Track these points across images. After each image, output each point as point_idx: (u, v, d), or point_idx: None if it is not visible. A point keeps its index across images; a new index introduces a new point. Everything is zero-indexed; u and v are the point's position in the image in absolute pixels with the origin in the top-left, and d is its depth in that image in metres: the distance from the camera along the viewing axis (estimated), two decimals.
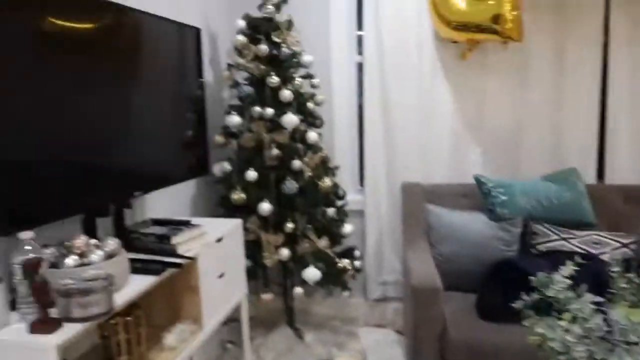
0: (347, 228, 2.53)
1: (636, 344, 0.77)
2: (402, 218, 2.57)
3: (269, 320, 2.75)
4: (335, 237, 2.51)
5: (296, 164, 2.37)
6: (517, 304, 0.95)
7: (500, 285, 1.90)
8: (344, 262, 2.41)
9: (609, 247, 2.16)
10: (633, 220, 2.34)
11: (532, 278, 0.98)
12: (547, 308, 0.93)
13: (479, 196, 2.40)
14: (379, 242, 2.82)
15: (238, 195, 2.37)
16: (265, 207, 2.33)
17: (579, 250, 2.18)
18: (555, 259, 1.71)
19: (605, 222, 2.34)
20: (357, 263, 2.54)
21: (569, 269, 0.99)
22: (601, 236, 2.21)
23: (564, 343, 0.81)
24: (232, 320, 2.63)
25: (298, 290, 2.39)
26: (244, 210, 2.39)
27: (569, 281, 0.91)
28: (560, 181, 2.36)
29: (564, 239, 2.21)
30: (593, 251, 2.15)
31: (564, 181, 2.35)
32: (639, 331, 0.78)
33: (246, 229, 2.36)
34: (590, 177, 2.57)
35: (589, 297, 0.87)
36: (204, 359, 2.42)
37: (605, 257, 2.13)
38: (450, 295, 2.16)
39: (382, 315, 2.79)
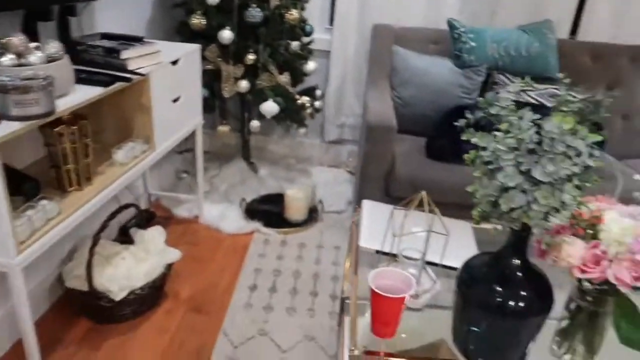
0: (310, 65, 2.46)
1: (562, 153, 0.80)
2: (369, 59, 2.50)
3: (225, 154, 2.79)
4: (297, 74, 2.45)
5: None
6: (459, 122, 0.95)
7: (450, 127, 1.93)
8: (304, 99, 2.38)
9: (593, 100, 2.19)
10: (595, 77, 2.35)
11: (479, 99, 0.97)
12: (489, 127, 0.94)
13: (449, 43, 2.32)
14: (341, 83, 2.77)
15: (197, 20, 2.22)
16: (226, 34, 2.20)
17: (534, 102, 2.20)
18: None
19: (569, 78, 2.34)
20: (317, 103, 2.52)
21: (515, 86, 0.99)
22: (559, 90, 2.22)
23: (494, 152, 0.83)
24: (187, 150, 2.65)
25: (255, 123, 2.38)
26: (203, 38, 2.26)
27: (513, 98, 0.90)
28: (533, 32, 2.29)
29: (522, 90, 2.22)
30: (548, 104, 2.19)
31: (537, 32, 2.29)
32: (567, 140, 0.80)
33: (205, 58, 2.26)
34: (564, 31, 2.51)
35: (530, 114, 0.87)
36: (158, 186, 2.48)
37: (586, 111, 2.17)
38: (404, 138, 2.21)
39: (337, 156, 2.87)
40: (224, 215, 2.33)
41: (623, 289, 0.83)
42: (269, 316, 1.78)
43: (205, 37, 2.26)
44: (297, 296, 1.90)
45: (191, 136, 2.14)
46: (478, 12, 2.53)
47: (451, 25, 2.29)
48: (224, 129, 2.45)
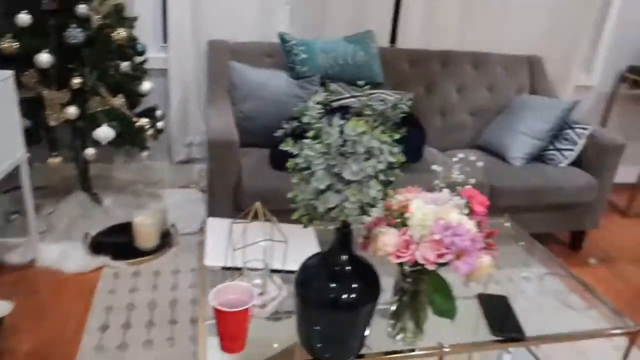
0: (146, 86, 2.37)
1: (365, 153, 0.88)
2: (207, 77, 2.49)
3: (63, 188, 2.55)
4: (133, 96, 2.34)
5: (82, 8, 2.07)
6: (277, 132, 0.99)
7: (291, 136, 2.00)
8: (143, 121, 2.29)
9: (391, 103, 2.41)
10: (414, 80, 2.62)
11: (295, 109, 1.02)
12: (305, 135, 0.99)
13: (283, 56, 2.41)
14: (183, 102, 2.71)
15: (8, 44, 2.01)
16: (43, 58, 2.02)
17: None
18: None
19: (392, 82, 2.58)
20: (159, 124, 2.43)
21: (321, 96, 1.06)
22: (386, 94, 2.44)
23: (306, 159, 0.88)
24: (15, 188, 2.37)
25: (90, 151, 2.22)
26: (17, 63, 2.05)
27: (319, 107, 0.97)
28: (358, 42, 2.48)
29: (354, 96, 2.39)
30: (378, 107, 2.38)
31: (361, 42, 2.48)
32: (364, 141, 0.88)
33: (22, 85, 2.05)
34: (385, 40, 2.76)
35: (337, 121, 0.94)
36: None
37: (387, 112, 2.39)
38: (250, 151, 2.23)
39: (188, 176, 2.80)
40: (65, 254, 2.13)
41: (430, 267, 0.93)
42: (124, 355, 1.67)
43: (20, 62, 2.05)
44: (154, 328, 1.80)
45: (17, 172, 1.93)
46: (307, 25, 2.67)
47: (283, 39, 2.38)
48: (54, 160, 2.24)
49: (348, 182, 0.89)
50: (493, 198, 2.27)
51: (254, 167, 2.08)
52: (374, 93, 2.44)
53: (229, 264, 1.28)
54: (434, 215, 0.97)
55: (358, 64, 2.45)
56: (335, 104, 2.38)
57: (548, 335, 1.29)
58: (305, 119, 0.98)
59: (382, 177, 0.92)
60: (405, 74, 2.62)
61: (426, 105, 2.63)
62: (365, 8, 2.68)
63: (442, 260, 0.93)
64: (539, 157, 2.51)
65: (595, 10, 2.91)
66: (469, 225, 0.96)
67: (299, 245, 1.36)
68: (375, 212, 0.87)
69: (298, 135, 1.03)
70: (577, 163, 2.50)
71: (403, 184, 1.03)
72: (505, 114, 2.64)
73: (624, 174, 3.50)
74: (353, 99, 2.40)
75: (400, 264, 1.00)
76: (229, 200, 2.02)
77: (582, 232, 2.60)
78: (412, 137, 2.28)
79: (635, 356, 1.91)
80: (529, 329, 1.25)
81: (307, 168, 0.91)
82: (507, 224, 1.83)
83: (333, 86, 2.41)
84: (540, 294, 2.21)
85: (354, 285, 0.99)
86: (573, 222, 2.51)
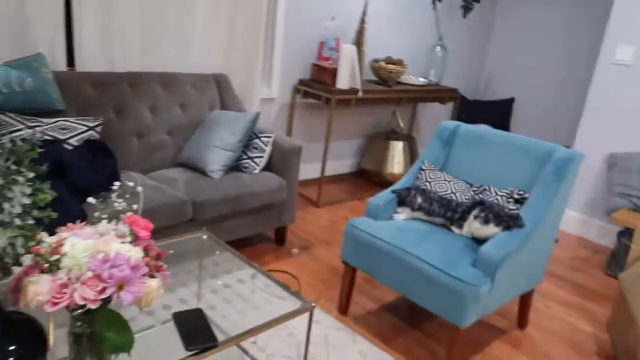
0: None
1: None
2: None
3: None
4: None
5: None
6: None
7: None
8: None
9: (76, 131, 2.25)
10: (102, 104, 2.49)
11: None
12: None
13: None
14: None
15: None
16: None
17: (48, 137, 2.16)
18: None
19: (75, 108, 2.40)
20: None
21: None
22: (69, 122, 2.26)
23: None
24: None
25: None
26: None
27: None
28: (23, 67, 2.21)
29: (30, 127, 2.13)
30: (60, 136, 2.18)
31: (27, 67, 2.22)
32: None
33: None
34: (61, 63, 2.54)
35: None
36: None
37: (73, 141, 2.21)
38: None
39: None
40: None
41: (93, 306, 0.90)
42: None
43: None
44: None
45: None
46: None
47: None
48: None
49: None
50: (196, 213, 2.36)
51: None
52: (56, 121, 2.22)
53: None
54: (94, 250, 0.93)
55: (29, 91, 2.19)
56: (8, 137, 2.07)
57: (243, 332, 1.41)
58: None
59: (18, 221, 0.84)
60: (90, 98, 2.47)
61: (119, 129, 2.54)
62: (30, 29, 2.41)
63: (103, 296, 0.90)
64: (236, 167, 2.72)
65: (264, 27, 3.31)
66: (131, 252, 0.96)
67: None
68: (9, 261, 0.79)
69: None
70: (268, 168, 2.81)
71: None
72: (200, 130, 2.77)
73: (312, 171, 4.11)
74: (30, 130, 2.14)
75: (70, 309, 0.94)
76: None
77: (283, 227, 2.94)
78: (103, 166, 2.17)
79: (321, 325, 2.26)
80: (239, 329, 1.34)
81: None
82: (205, 237, 1.91)
83: (1, 117, 2.10)
84: (253, 292, 2.40)
85: (10, 348, 0.88)
86: (274, 220, 2.81)
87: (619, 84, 3.46)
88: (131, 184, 1.39)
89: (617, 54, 3.45)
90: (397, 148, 4.17)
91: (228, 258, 1.91)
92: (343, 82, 3.47)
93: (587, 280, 3.03)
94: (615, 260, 3.12)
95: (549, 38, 4.75)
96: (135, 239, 1.03)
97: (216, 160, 2.59)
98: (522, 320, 2.44)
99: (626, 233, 3.13)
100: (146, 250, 1.04)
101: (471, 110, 4.99)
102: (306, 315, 1.82)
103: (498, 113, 5.03)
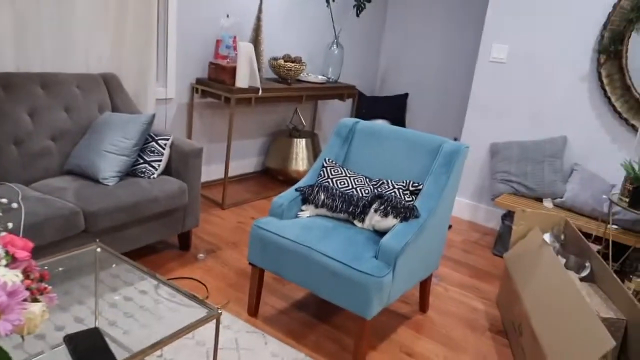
0: None
1: None
2: None
3: None
4: None
5: None
6: None
7: None
8: None
9: None
10: None
11: None
12: None
13: None
14: None
15: None
16: None
17: None
18: None
19: None
20: None
21: None
22: None
23: None
24: None
25: None
26: None
27: None
28: None
29: None
30: None
31: None
32: None
33: None
34: None
35: None
36: None
37: None
38: None
39: None
40: None
41: None
42: None
43: None
44: None
45: None
46: None
47: None
48: None
49: None
50: (89, 224, 2.20)
51: None
52: None
53: None
54: None
55: None
56: None
57: (147, 347, 1.34)
58: None
59: None
60: None
61: None
62: None
63: None
64: (132, 172, 2.58)
65: (155, 25, 3.16)
66: (7, 277, 0.87)
67: None
68: None
69: None
70: (168, 171, 2.69)
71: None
72: (89, 134, 2.58)
73: (215, 172, 4.03)
74: None
75: None
76: None
77: (187, 232, 2.84)
78: None
79: (231, 330, 2.23)
80: (143, 344, 1.27)
81: None
82: (99, 249, 1.80)
83: None
84: (158, 303, 2.30)
85: None
86: (177, 225, 2.71)
87: (496, 80, 3.79)
88: (4, 200, 1.25)
89: (493, 52, 3.77)
90: (301, 145, 4.21)
91: (129, 269, 1.81)
92: (242, 80, 3.43)
93: (478, 262, 3.29)
94: (501, 241, 3.42)
95: (435, 36, 5.07)
96: (13, 261, 0.94)
97: (109, 166, 2.43)
98: (423, 305, 2.59)
99: (508, 215, 3.44)
100: (26, 273, 0.95)
101: (370, 106, 5.17)
102: (213, 322, 1.78)
103: (394, 108, 5.27)
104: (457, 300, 2.76)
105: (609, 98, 3.37)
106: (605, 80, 3.36)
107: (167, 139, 2.66)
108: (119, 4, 2.93)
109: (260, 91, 3.52)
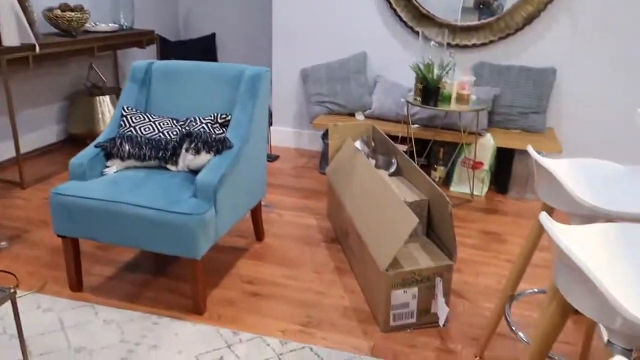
0: None
1: None
2: None
3: None
4: None
5: None
6: None
7: None
8: None
9: None
10: None
11: None
12: None
13: None
14: None
15: None
16: None
17: None
18: None
19: None
20: None
21: None
22: None
23: None
24: None
25: None
26: None
27: None
28: None
29: None
30: None
31: None
32: None
33: None
34: None
35: None
36: None
37: None
38: None
39: None
40: None
41: None
42: None
43: None
44: None
45: None
46: None
47: None
48: None
49: None
50: None
51: None
52: None
53: None
54: None
55: None
56: None
57: None
58: None
59: None
60: None
61: None
62: None
63: None
64: None
65: None
66: None
67: None
68: None
69: None
70: None
71: None
72: None
73: (3, 151, 3.48)
74: None
75: None
76: None
77: None
78: None
79: (53, 312, 2.02)
80: None
81: None
82: None
83: None
84: None
85: None
86: None
87: (295, 5, 3.82)
88: None
89: None
90: (105, 103, 3.82)
91: None
92: (10, 38, 2.92)
93: (307, 183, 3.42)
94: (325, 159, 3.59)
95: None
96: None
97: None
98: (258, 234, 2.62)
99: (326, 135, 3.60)
100: None
101: (176, 51, 4.87)
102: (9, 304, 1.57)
103: (204, 50, 5.04)
104: (292, 222, 2.86)
105: (394, 10, 3.63)
106: None
107: None
108: None
109: (38, 48, 3.05)
